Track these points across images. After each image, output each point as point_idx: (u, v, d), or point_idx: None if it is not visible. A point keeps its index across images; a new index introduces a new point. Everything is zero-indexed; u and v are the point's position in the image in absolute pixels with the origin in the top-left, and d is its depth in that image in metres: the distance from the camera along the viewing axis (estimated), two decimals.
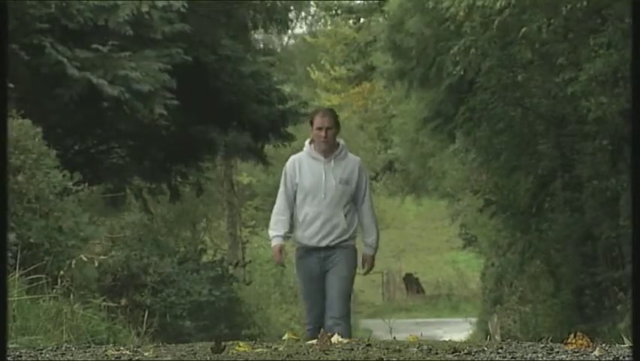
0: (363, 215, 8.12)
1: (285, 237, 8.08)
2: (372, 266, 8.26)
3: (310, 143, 8.15)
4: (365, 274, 8.35)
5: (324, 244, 7.96)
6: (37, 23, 11.91)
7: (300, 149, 8.34)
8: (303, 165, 8.07)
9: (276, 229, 8.05)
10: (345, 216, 7.98)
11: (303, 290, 8.26)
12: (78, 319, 7.51)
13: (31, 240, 8.72)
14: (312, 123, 8.17)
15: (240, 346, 4.13)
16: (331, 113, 8.22)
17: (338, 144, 8.14)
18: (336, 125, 8.13)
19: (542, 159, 17.36)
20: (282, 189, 8.10)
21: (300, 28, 46.62)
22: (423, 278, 42.53)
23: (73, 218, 9.61)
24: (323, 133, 8.02)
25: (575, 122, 16.01)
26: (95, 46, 12.25)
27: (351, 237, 8.05)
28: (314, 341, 4.21)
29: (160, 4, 12.83)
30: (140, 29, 12.76)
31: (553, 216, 17.37)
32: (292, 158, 8.19)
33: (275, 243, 8.06)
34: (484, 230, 25.60)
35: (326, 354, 3.75)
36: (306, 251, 8.02)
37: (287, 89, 19.18)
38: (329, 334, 4.14)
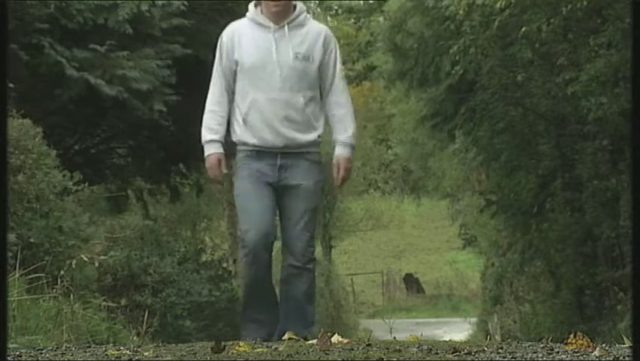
0: (333, 104, 5.81)
1: (224, 141, 5.80)
2: (347, 172, 5.81)
3: (256, 5, 5.87)
4: (340, 185, 5.87)
5: (280, 143, 5.68)
6: (37, 23, 11.91)
7: None
8: (245, 35, 5.78)
9: (211, 129, 5.75)
10: (307, 104, 5.72)
11: (243, 194, 5.72)
12: (78, 319, 7.51)
13: (31, 240, 8.72)
14: None
15: (240, 346, 4.13)
16: None
17: (295, 6, 5.82)
18: None
19: (542, 159, 17.39)
20: (216, 70, 5.85)
21: None
22: (423, 278, 42.59)
23: (73, 218, 9.61)
24: None
25: (575, 122, 16.04)
26: (92, 46, 12.26)
27: (317, 140, 5.80)
28: (314, 341, 4.21)
29: (159, 2, 12.84)
30: (140, 27, 12.76)
31: (554, 216, 17.39)
32: (230, 26, 5.90)
33: (210, 150, 5.74)
34: (484, 230, 25.65)
35: (326, 354, 3.75)
36: (257, 153, 5.72)
37: None
38: (328, 334, 4.15)
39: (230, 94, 5.78)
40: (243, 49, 5.73)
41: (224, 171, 5.75)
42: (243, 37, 5.76)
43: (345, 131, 5.81)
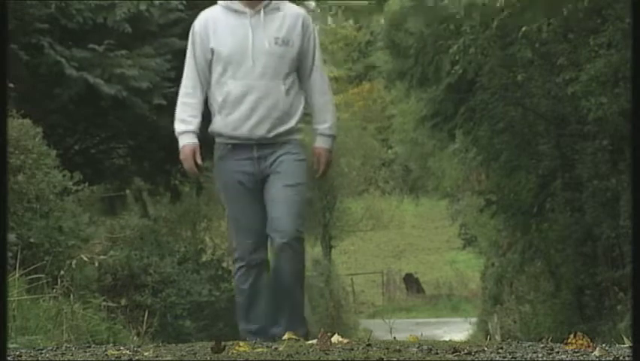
0: (313, 90, 5.59)
1: (199, 132, 5.57)
2: (328, 163, 5.63)
3: None
4: (321, 177, 5.69)
5: (258, 134, 5.45)
6: (37, 23, 11.93)
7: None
8: (219, 22, 5.50)
9: (184, 120, 5.57)
10: (287, 92, 5.47)
11: (228, 206, 5.61)
12: (78, 319, 7.51)
13: (31, 240, 8.73)
14: None
15: (240, 346, 4.13)
16: None
17: None
18: None
19: (542, 159, 17.38)
20: (189, 60, 5.57)
21: None
22: (423, 278, 42.59)
23: (73, 218, 9.62)
24: None
25: (575, 122, 16.03)
26: (91, 45, 12.27)
27: (297, 127, 5.55)
28: (314, 341, 4.21)
29: (157, 2, 12.85)
30: (138, 25, 12.77)
31: (554, 216, 17.39)
32: (203, 14, 5.59)
33: (185, 141, 5.56)
34: (484, 230, 25.65)
35: (326, 354, 3.75)
36: (232, 148, 5.52)
37: None
38: (328, 334, 4.14)
39: (205, 85, 5.54)
40: (218, 37, 5.46)
41: (199, 161, 5.52)
42: (217, 25, 5.49)
43: (324, 122, 5.60)
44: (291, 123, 5.50)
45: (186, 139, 5.55)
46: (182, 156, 5.57)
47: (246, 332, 5.50)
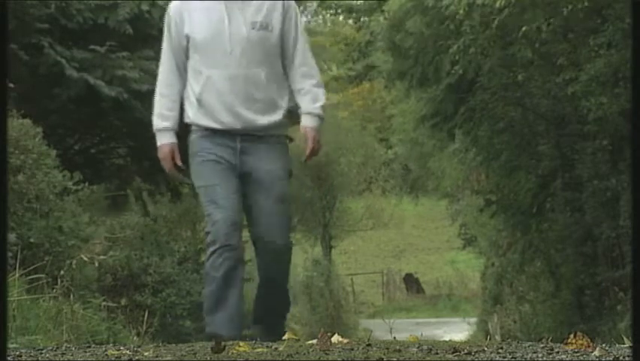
0: (299, 76, 5.22)
1: (178, 129, 5.24)
2: (316, 144, 5.20)
3: None
4: (309, 158, 5.24)
5: (238, 126, 5.11)
6: (37, 23, 11.93)
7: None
8: (195, 6, 5.17)
9: (162, 115, 5.20)
10: (269, 80, 5.13)
11: (203, 181, 5.15)
12: (78, 319, 7.50)
13: (31, 240, 8.73)
14: None
15: (239, 346, 4.12)
16: None
17: None
18: None
19: (542, 159, 17.39)
20: (165, 48, 5.25)
21: None
22: (423, 278, 42.59)
23: (73, 218, 9.62)
24: None
25: (575, 122, 16.04)
26: (92, 46, 12.27)
27: (279, 122, 5.20)
28: (314, 341, 4.21)
29: (159, 2, 12.85)
30: (140, 26, 12.78)
31: (554, 216, 17.39)
32: None
33: (163, 140, 5.22)
34: (484, 230, 25.65)
35: (326, 354, 3.75)
36: (212, 132, 5.15)
37: None
38: (328, 334, 4.14)
39: (183, 73, 5.20)
40: (193, 22, 5.13)
41: (179, 162, 5.19)
42: (192, 9, 5.15)
43: (313, 102, 5.20)
44: (276, 116, 5.18)
45: (164, 138, 5.21)
46: (160, 156, 5.22)
47: (212, 329, 5.11)
